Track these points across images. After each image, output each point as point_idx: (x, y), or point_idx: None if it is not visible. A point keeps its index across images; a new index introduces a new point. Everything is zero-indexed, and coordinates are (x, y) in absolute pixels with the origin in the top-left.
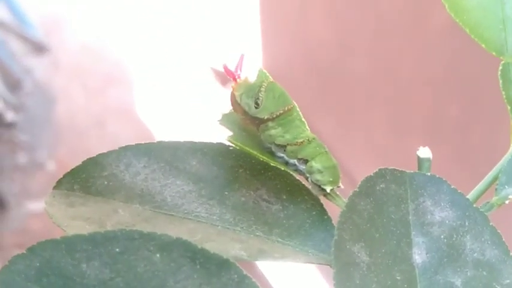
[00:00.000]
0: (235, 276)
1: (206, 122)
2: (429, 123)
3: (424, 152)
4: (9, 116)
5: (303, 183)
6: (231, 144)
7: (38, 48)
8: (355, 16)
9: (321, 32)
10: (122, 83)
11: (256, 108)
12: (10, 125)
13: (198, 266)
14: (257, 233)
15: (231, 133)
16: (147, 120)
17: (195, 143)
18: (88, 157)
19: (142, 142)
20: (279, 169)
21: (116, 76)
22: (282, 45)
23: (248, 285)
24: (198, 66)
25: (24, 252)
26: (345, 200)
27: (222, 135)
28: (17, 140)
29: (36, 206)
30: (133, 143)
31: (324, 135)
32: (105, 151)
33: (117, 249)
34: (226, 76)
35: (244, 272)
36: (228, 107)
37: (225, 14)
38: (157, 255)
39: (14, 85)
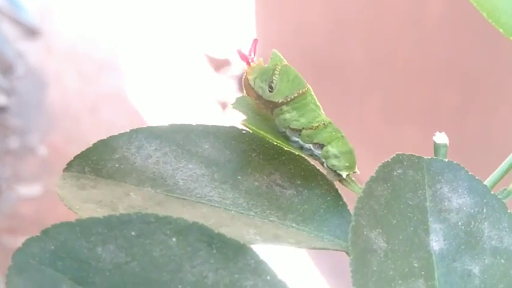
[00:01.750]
0: (252, 261)
1: (200, 108)
2: (424, 113)
3: (441, 138)
4: (1, 99)
5: (317, 168)
6: (244, 128)
7: (31, 32)
8: (351, 5)
9: (317, 21)
10: (115, 69)
11: (270, 91)
12: (2, 109)
13: (215, 251)
14: (271, 218)
15: (244, 117)
16: (140, 107)
17: (208, 126)
18: (80, 142)
19: (137, 128)
20: (293, 154)
21: (109, 62)
22: (277, 34)
23: (264, 271)
24: (191, 53)
25: (39, 235)
26: (359, 185)
27: (217, 121)
28: (8, 124)
29: (27, 190)
30: (127, 129)
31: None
32: (97, 137)
33: (133, 233)
34: (219, 62)
35: (261, 258)
36: (221, 93)
37: (219, 0)
38: (174, 239)
39: (6, 69)
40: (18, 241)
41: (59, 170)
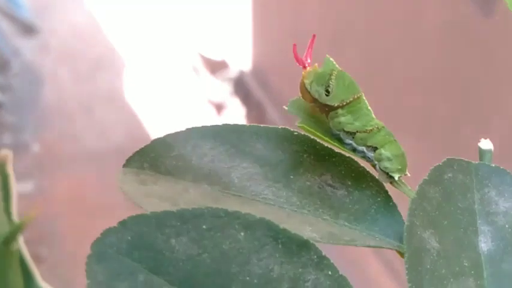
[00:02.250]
0: (315, 256)
1: (194, 111)
2: (418, 121)
3: (486, 144)
4: None
5: (367, 169)
6: (295, 130)
7: (28, 29)
8: (348, 12)
9: (312, 26)
10: (111, 68)
11: (326, 95)
12: None
13: (280, 246)
14: (324, 217)
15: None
16: (134, 106)
17: (260, 127)
18: (73, 141)
19: (131, 128)
20: (343, 155)
21: (105, 61)
22: (273, 37)
23: (326, 266)
24: (187, 54)
25: (116, 225)
26: (409, 187)
27: (212, 122)
28: (2, 121)
29: (20, 187)
30: (121, 129)
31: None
32: (91, 136)
33: (204, 226)
34: (216, 64)
35: (323, 253)
36: (217, 95)
37: (216, 1)
38: (242, 233)
39: (1, 65)
40: None
41: (51, 168)
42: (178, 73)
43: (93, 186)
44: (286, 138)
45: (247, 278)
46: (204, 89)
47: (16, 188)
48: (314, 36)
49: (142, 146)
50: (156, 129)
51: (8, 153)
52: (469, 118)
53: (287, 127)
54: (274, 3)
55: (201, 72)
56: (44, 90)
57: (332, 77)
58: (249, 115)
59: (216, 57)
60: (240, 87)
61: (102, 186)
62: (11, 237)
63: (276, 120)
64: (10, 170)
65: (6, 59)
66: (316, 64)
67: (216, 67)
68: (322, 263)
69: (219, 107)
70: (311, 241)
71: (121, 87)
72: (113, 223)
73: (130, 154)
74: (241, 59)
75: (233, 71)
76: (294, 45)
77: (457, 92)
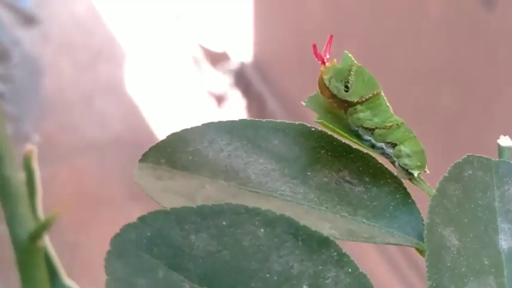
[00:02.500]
0: (335, 254)
1: (194, 102)
2: (420, 114)
3: (505, 141)
4: None
5: (386, 166)
6: (312, 125)
7: (28, 19)
8: (351, 4)
9: (314, 19)
10: (111, 58)
11: (346, 91)
12: None
13: (300, 243)
14: (342, 214)
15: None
16: (134, 97)
17: (277, 122)
18: (73, 132)
19: (131, 119)
20: (361, 152)
21: (105, 51)
22: (275, 29)
23: (347, 263)
24: (188, 45)
25: (135, 221)
26: (428, 184)
27: (212, 116)
28: (3, 111)
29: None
30: (121, 120)
31: (314, 123)
32: (91, 126)
33: (224, 223)
34: (216, 55)
35: (344, 251)
36: (217, 87)
37: None
38: (262, 230)
39: (1, 56)
40: None
41: (51, 158)
42: (179, 64)
43: (93, 176)
44: (303, 133)
45: (267, 275)
46: (205, 81)
47: None
48: (331, 36)
49: (158, 141)
50: (156, 120)
51: (33, 148)
52: (470, 111)
53: (304, 123)
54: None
55: (201, 63)
56: (44, 80)
57: (351, 72)
58: (250, 107)
59: (217, 48)
60: (241, 79)
61: (102, 176)
62: (37, 234)
63: (277, 112)
64: (36, 165)
65: (7, 49)
66: (335, 60)
67: (216, 59)
68: (342, 260)
69: (220, 99)
70: (331, 238)
71: (121, 78)
72: (112, 213)
73: (130, 144)
74: (242, 51)
75: (234, 62)
76: (314, 44)
77: (459, 85)
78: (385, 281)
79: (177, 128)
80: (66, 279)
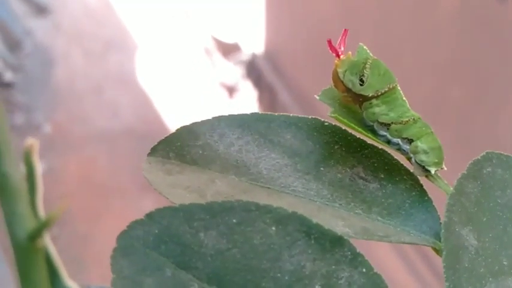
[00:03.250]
0: (349, 253)
1: (206, 93)
2: (432, 108)
3: None
4: (8, 76)
5: (401, 162)
6: (326, 120)
7: (40, 9)
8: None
9: (325, 10)
10: (123, 49)
11: (360, 85)
12: (8, 85)
13: (313, 241)
14: (356, 211)
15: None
16: (146, 88)
17: (289, 116)
18: (83, 122)
19: (142, 109)
20: (376, 147)
21: (117, 42)
22: (286, 20)
23: (361, 263)
24: (199, 36)
25: (143, 218)
26: (445, 181)
27: (224, 107)
28: (14, 101)
29: None
30: (132, 110)
31: (324, 116)
32: (102, 117)
33: (234, 220)
34: (228, 46)
35: (358, 250)
36: (229, 78)
37: None
38: (273, 228)
39: (14, 45)
40: None
41: (62, 148)
42: (191, 55)
43: (104, 166)
44: (316, 128)
45: (278, 275)
46: (216, 72)
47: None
48: (346, 30)
49: (168, 134)
50: (167, 111)
51: (34, 142)
52: (483, 105)
53: (317, 117)
54: None
55: (213, 54)
56: (55, 70)
57: (366, 66)
58: (261, 98)
59: (229, 39)
60: (252, 70)
61: (112, 167)
62: (37, 234)
63: (288, 103)
64: (37, 160)
65: (19, 39)
66: (349, 52)
67: (228, 50)
68: (356, 260)
69: (231, 90)
70: (344, 237)
71: (133, 69)
72: (123, 203)
73: (141, 135)
74: (254, 42)
75: (245, 54)
76: (329, 40)
77: (471, 78)
78: (401, 281)
79: (188, 119)
80: (67, 280)
